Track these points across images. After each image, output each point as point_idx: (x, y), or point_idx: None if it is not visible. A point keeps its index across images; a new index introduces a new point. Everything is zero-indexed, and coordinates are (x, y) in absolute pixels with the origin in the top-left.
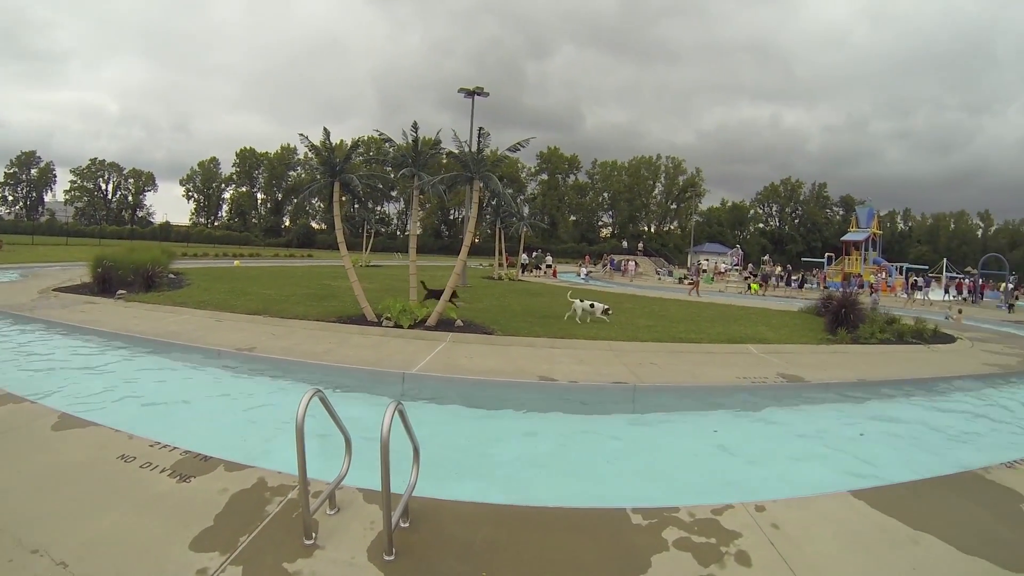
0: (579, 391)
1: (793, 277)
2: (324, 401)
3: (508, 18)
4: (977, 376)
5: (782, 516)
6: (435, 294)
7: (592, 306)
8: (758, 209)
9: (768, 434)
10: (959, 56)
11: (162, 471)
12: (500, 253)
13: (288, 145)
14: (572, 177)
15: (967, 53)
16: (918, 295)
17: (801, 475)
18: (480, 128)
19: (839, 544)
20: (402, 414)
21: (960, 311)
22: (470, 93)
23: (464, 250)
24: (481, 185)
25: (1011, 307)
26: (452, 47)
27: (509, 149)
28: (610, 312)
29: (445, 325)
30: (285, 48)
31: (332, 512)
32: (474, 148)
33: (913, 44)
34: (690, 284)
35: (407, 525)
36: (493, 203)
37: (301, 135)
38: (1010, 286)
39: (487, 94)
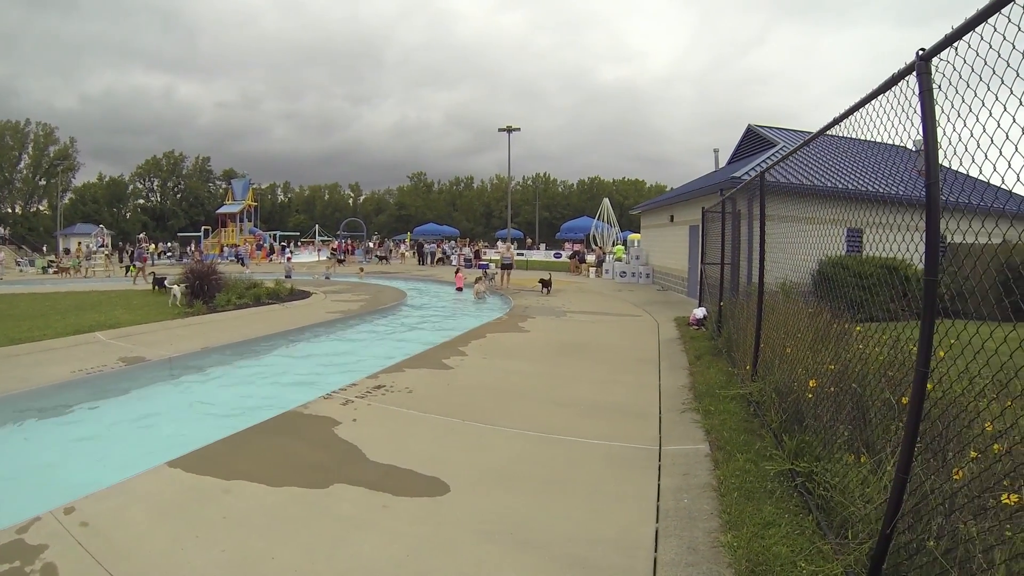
0: None
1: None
2: None
3: None
4: (322, 323)
5: (93, 510)
6: None
7: None
8: (138, 184)
9: (92, 426)
10: (351, 55)
11: None
12: None
13: None
14: None
15: (359, 54)
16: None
17: (124, 459)
18: None
19: (152, 518)
20: None
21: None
22: None
23: None
24: None
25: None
26: None
27: None
28: None
29: None
30: None
31: None
32: None
33: (314, 37)
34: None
35: None
36: None
37: None
38: (370, 244)
39: None
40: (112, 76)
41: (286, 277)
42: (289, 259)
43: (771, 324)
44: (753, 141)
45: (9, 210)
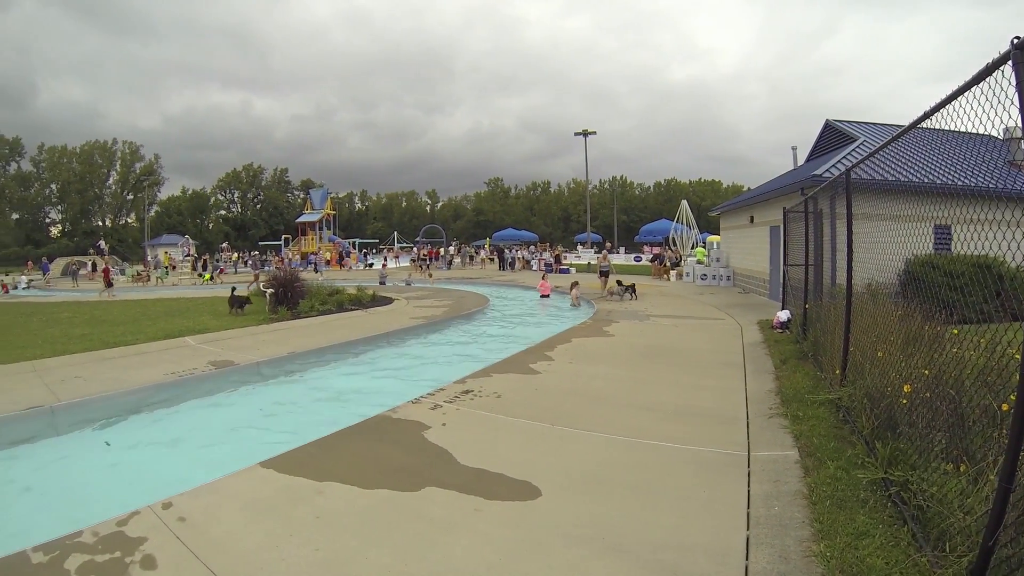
0: None
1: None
2: None
3: None
4: (406, 329)
5: (189, 506)
6: None
7: None
8: (219, 196)
9: (184, 426)
10: (421, 65)
11: None
12: None
13: None
14: (14, 165)
15: (429, 64)
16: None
17: (217, 458)
18: None
19: (246, 516)
20: None
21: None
22: None
23: None
24: None
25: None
26: None
27: None
28: None
29: None
30: None
31: None
32: None
33: (383, 49)
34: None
35: None
36: None
37: None
38: (451, 249)
39: None
40: (191, 95)
41: (381, 283)
42: (384, 266)
43: (860, 327)
44: (832, 137)
45: (99, 223)
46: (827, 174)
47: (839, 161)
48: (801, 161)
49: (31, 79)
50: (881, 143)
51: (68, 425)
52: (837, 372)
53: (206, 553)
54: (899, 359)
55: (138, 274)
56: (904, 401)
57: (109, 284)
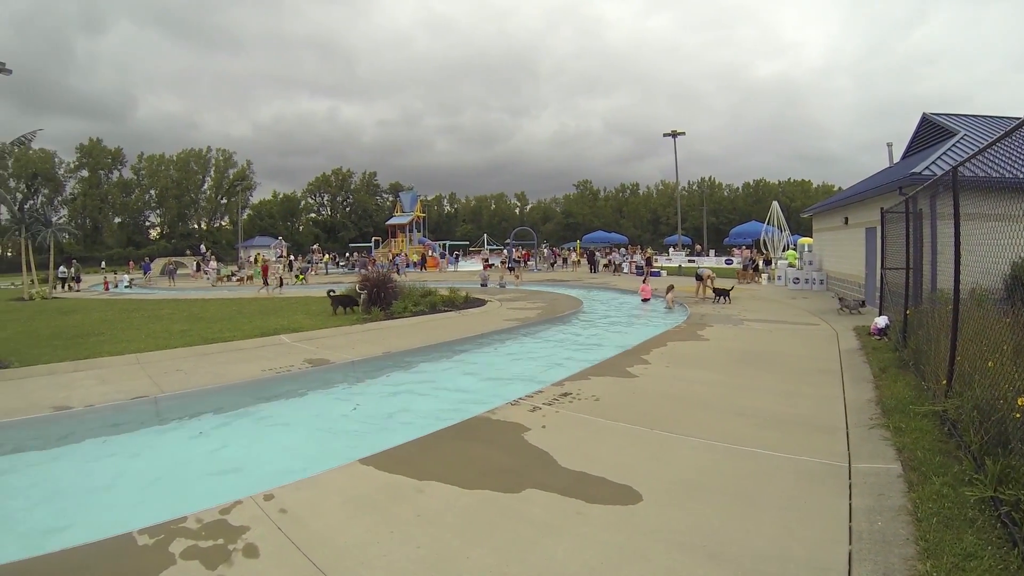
0: (95, 414)
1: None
2: None
3: None
4: (500, 331)
5: (291, 499)
6: None
7: None
8: (309, 199)
9: (281, 421)
10: (505, 69)
11: None
12: (30, 268)
13: None
14: (116, 173)
15: (513, 67)
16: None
17: (316, 454)
18: None
19: (347, 511)
20: None
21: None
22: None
23: None
24: None
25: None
26: None
27: (14, 142)
28: None
29: None
30: None
31: None
32: None
33: (467, 54)
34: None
35: None
36: None
37: None
38: (545, 251)
39: (9, 71)
40: (280, 104)
41: (482, 285)
42: (485, 268)
43: (966, 334)
44: (929, 131)
45: (195, 226)
46: (927, 172)
47: (939, 157)
48: (897, 158)
49: (131, 94)
50: (984, 136)
51: (169, 415)
52: (942, 383)
53: (308, 545)
54: (1011, 370)
55: (234, 276)
56: (1017, 415)
57: (267, 283)
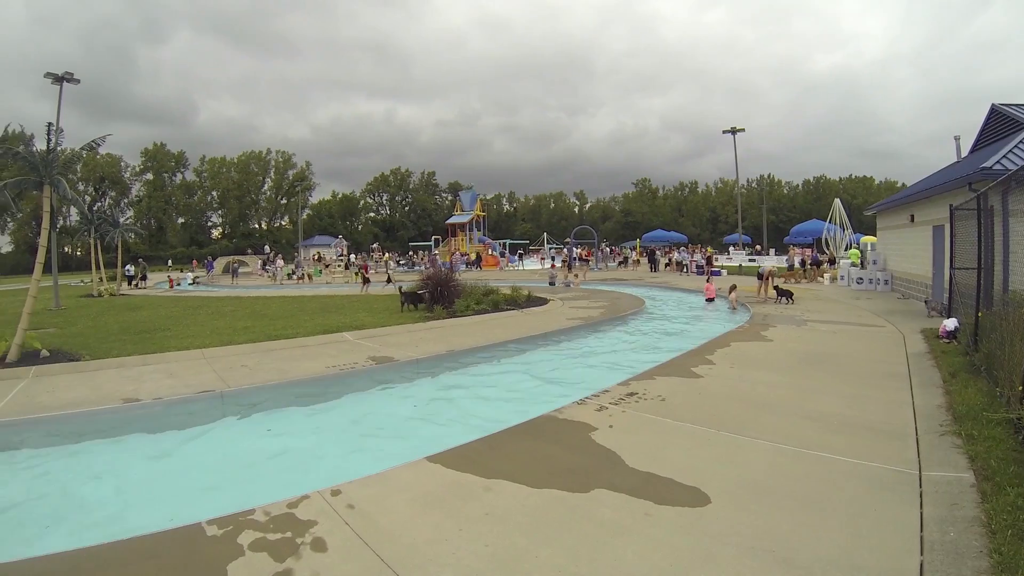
0: (163, 407)
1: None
2: None
3: None
4: (563, 330)
5: (358, 495)
6: None
7: None
8: (368, 199)
9: (346, 417)
10: (561, 68)
11: None
12: (98, 267)
13: None
14: (179, 176)
15: (569, 66)
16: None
17: (382, 451)
18: (49, 124)
19: (414, 508)
20: None
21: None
22: (58, 79)
23: (38, 268)
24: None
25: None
26: (60, 21)
27: (84, 147)
28: None
29: (29, 358)
30: None
31: None
32: (44, 146)
33: (522, 54)
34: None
35: None
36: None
37: None
38: (606, 250)
39: (77, 80)
40: (337, 106)
41: (550, 284)
42: (553, 267)
43: None
44: (999, 123)
45: (256, 226)
46: (997, 166)
47: (1011, 151)
48: (965, 152)
49: (192, 100)
50: None
51: (235, 409)
52: (1017, 388)
53: (376, 541)
54: None
55: (293, 274)
56: None
57: (367, 281)
